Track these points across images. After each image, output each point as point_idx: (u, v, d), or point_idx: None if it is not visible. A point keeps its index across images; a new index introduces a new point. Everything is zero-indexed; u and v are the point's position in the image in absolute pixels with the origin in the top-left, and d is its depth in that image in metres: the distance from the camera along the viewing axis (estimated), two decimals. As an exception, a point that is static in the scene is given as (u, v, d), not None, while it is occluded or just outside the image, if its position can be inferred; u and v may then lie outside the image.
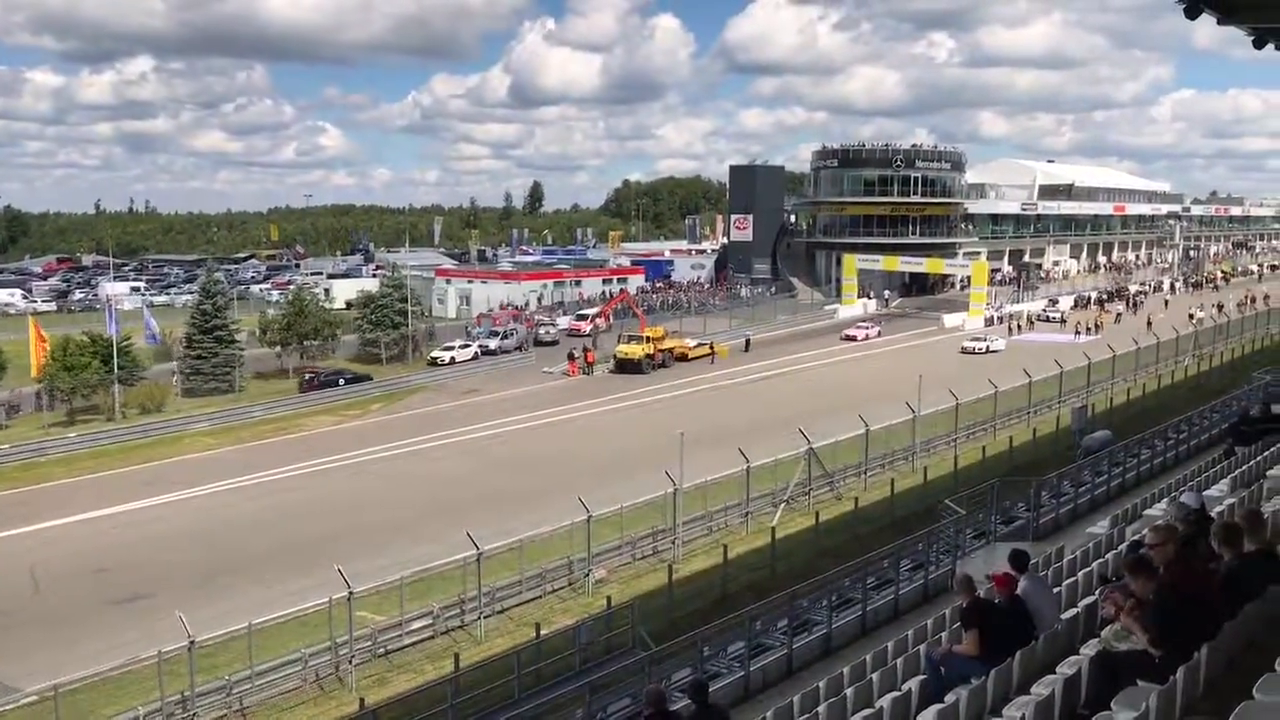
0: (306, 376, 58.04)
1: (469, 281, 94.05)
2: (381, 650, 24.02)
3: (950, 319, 78.25)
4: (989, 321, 77.89)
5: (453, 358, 62.39)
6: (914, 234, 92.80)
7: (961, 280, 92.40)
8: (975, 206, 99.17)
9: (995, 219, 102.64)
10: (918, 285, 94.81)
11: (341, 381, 57.47)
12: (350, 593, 22.71)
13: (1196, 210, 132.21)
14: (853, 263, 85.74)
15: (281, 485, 38.48)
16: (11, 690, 21.11)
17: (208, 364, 54.95)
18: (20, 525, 33.61)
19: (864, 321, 74.51)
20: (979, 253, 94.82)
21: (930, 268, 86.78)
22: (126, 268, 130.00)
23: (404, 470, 40.37)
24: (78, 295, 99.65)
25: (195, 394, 54.17)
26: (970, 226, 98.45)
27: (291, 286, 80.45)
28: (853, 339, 68.22)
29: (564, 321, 77.13)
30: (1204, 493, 15.04)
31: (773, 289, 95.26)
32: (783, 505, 33.41)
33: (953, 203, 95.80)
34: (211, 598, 26.38)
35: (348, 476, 39.50)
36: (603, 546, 28.74)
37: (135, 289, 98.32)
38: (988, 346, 65.50)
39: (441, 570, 26.25)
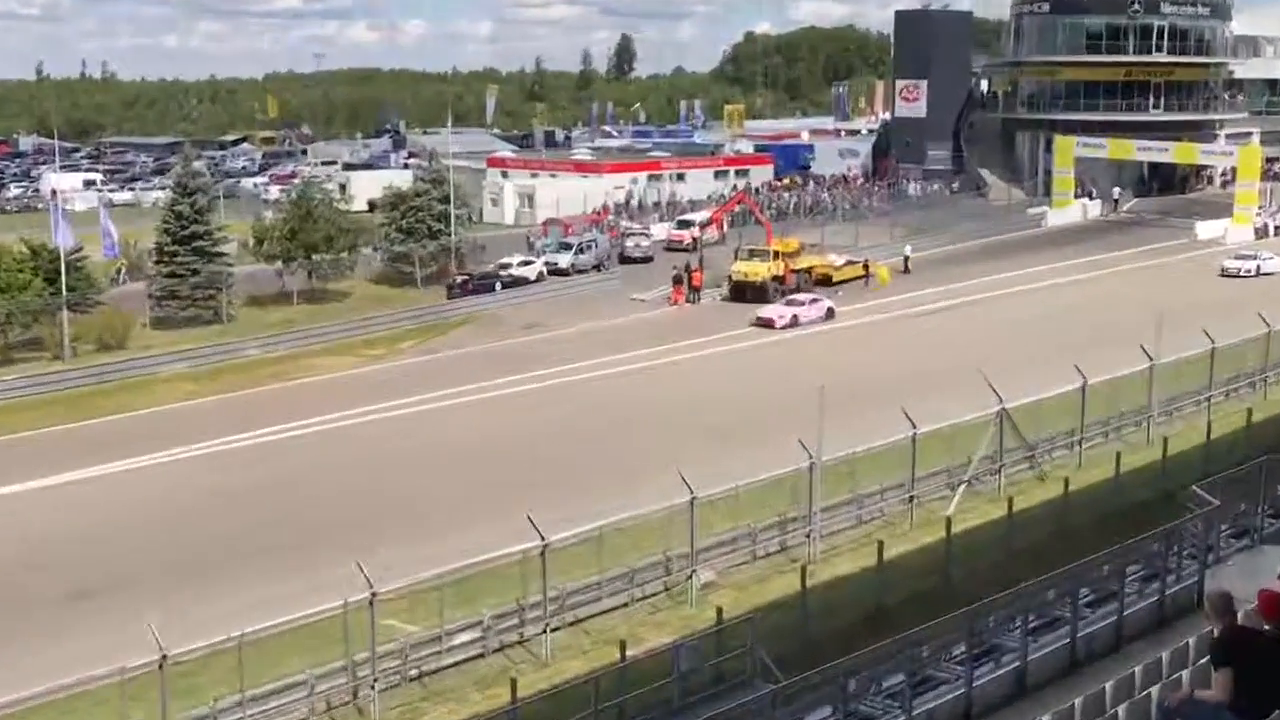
0: (457, 279, 61.39)
1: (532, 175, 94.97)
2: (414, 672, 24.60)
3: (1206, 228, 76.51)
4: (1261, 232, 75.96)
5: (510, 279, 63.63)
6: (1156, 108, 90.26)
7: (1223, 174, 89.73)
8: (1245, 69, 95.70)
9: (1274, 86, 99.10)
10: (1160, 181, 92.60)
11: (498, 287, 61.28)
12: (373, 594, 23.21)
13: None
14: (1069, 148, 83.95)
15: (282, 448, 39.43)
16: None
17: (185, 285, 56.56)
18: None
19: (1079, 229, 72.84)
20: (1249, 135, 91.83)
21: (1178, 156, 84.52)
22: (78, 154, 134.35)
23: (440, 433, 41.06)
24: (13, 191, 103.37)
25: (169, 325, 55.86)
26: (1237, 97, 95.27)
27: (296, 181, 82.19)
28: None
29: (661, 230, 77.39)
30: None
31: (954, 185, 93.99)
32: (962, 488, 33.26)
33: (1212, 63, 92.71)
34: (189, 597, 27.10)
35: (367, 439, 40.33)
36: (712, 539, 28.99)
37: (89, 182, 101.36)
38: (1258, 267, 64.04)
39: (494, 566, 26.68)
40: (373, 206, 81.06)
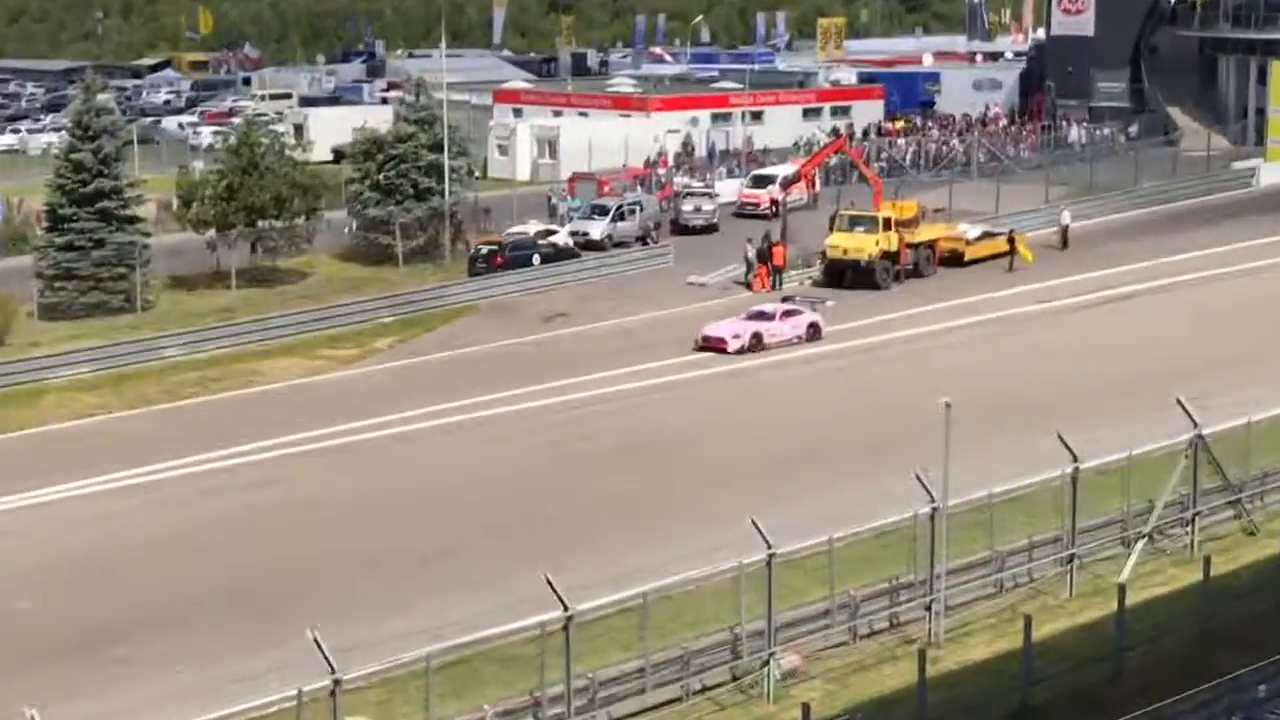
0: (482, 250, 62.46)
1: (556, 113, 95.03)
2: (388, 787, 24.59)
3: None
4: None
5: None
6: None
7: None
8: None
9: None
10: None
11: (536, 260, 62.21)
12: (336, 680, 23.30)
13: None
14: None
15: (214, 482, 39.73)
16: None
17: (86, 261, 56.95)
18: None
19: None
20: None
21: None
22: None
23: (426, 460, 41.49)
24: None
25: (64, 315, 56.34)
26: None
27: (236, 121, 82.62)
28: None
29: (729, 189, 77.29)
30: None
31: (1131, 129, 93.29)
32: (1140, 544, 32.91)
33: None
34: (85, 682, 27.43)
35: (323, 469, 40.70)
36: (797, 611, 28.92)
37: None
38: None
39: (499, 644, 26.73)
40: (339, 156, 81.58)
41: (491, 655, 26.60)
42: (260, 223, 62.05)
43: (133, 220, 58.67)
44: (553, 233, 65.91)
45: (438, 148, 66.33)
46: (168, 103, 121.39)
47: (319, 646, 23.37)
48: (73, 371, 49.95)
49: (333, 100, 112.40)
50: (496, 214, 68.92)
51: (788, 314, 53.16)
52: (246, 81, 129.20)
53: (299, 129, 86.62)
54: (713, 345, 51.29)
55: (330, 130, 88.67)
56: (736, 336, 51.43)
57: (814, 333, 52.77)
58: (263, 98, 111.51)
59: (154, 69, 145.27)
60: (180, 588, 32.59)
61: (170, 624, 30.54)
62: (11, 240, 63.90)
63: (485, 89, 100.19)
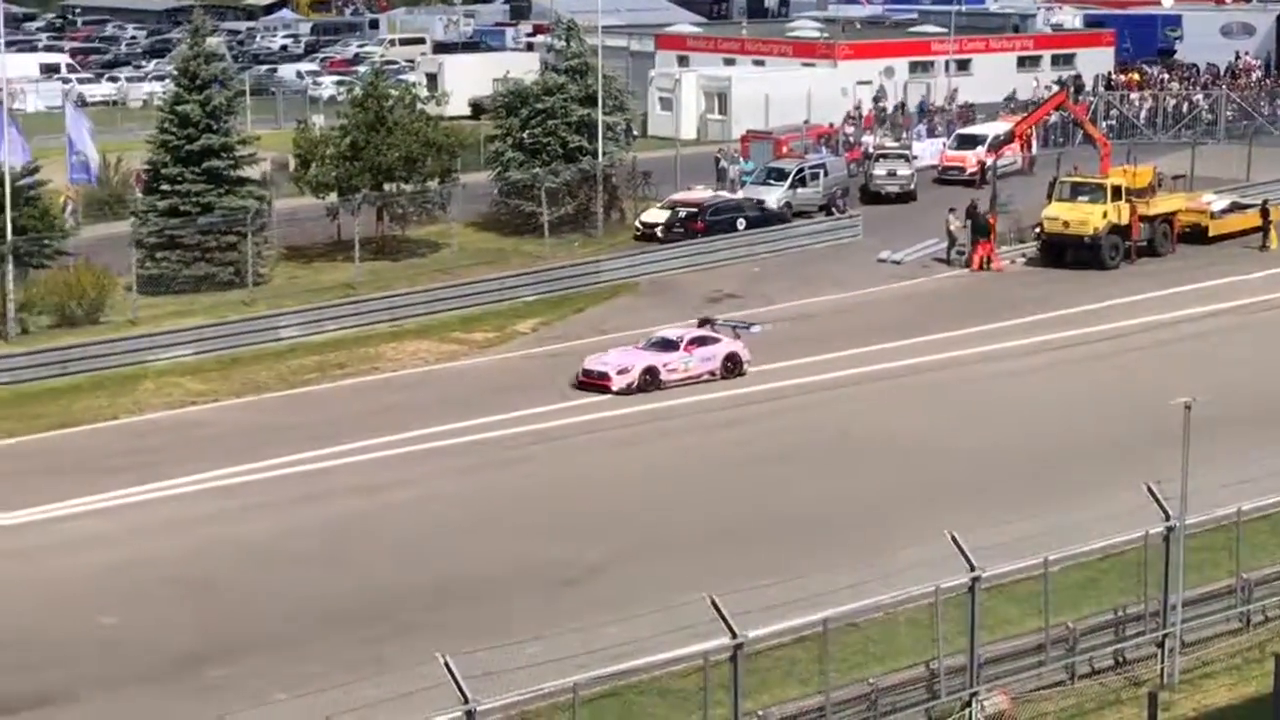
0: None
1: (727, 62, 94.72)
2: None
3: None
4: None
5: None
6: None
7: None
8: None
9: None
10: None
11: (741, 224, 63.23)
12: (469, 712, 23.33)
13: None
14: None
15: (327, 482, 40.24)
16: None
17: (192, 228, 57.57)
18: None
19: None
20: None
21: None
22: (33, 25, 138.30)
23: (569, 463, 41.85)
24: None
25: (167, 288, 57.12)
26: None
27: (362, 70, 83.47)
28: None
29: (929, 151, 76.80)
30: None
31: None
32: None
33: None
34: (179, 710, 27.72)
35: (452, 470, 41.11)
36: (1003, 645, 28.65)
37: (50, 68, 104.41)
38: None
39: (657, 674, 26.73)
40: (478, 110, 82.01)
41: (647, 687, 26.72)
42: (387, 186, 62.60)
43: (244, 182, 59.35)
44: (722, 202, 65.70)
45: (590, 101, 66.44)
46: (284, 48, 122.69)
47: (450, 672, 23.48)
48: (174, 354, 50.75)
49: (471, 46, 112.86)
50: (657, 177, 68.81)
51: (697, 343, 48.61)
52: (374, 25, 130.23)
53: (432, 79, 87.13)
54: (594, 382, 47.36)
55: (468, 81, 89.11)
56: (623, 372, 47.12)
57: (731, 367, 48.27)
58: (392, 43, 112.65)
59: (269, 9, 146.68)
60: (284, 602, 33.00)
61: (272, 644, 30.93)
62: (108, 204, 64.84)
63: (646, 33, 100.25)
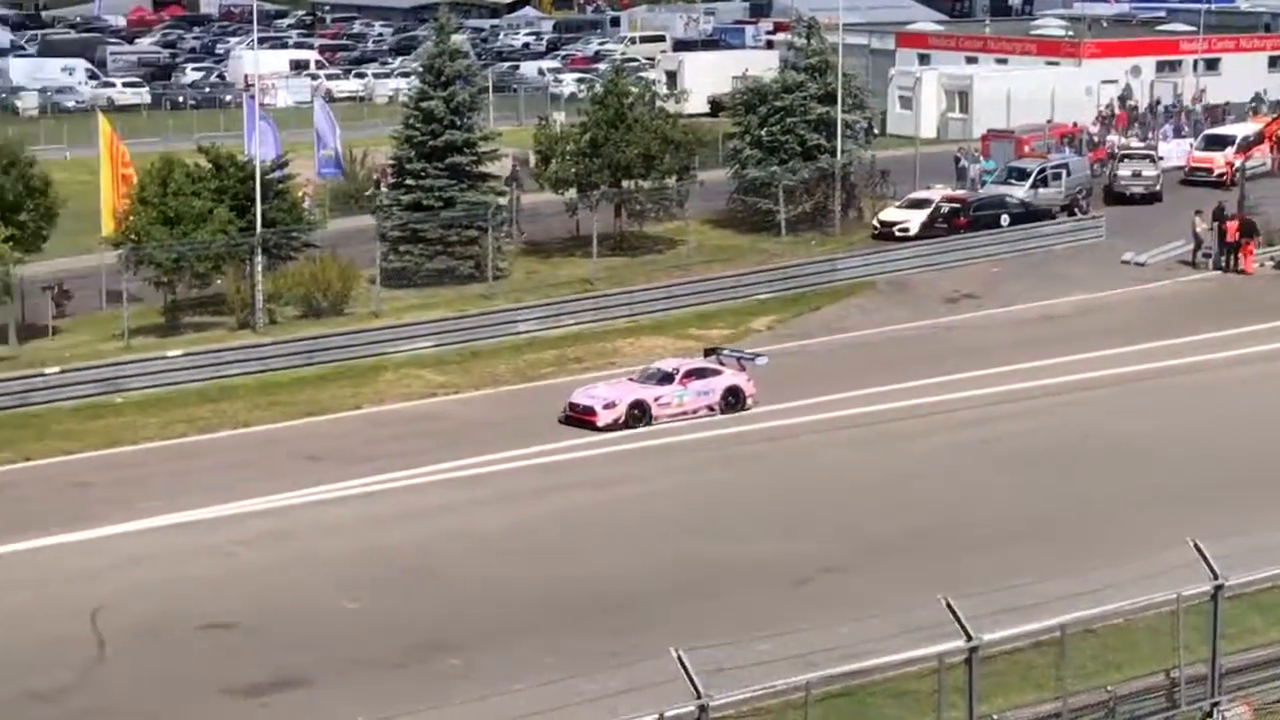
0: (943, 207, 63.67)
1: (969, 60, 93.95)
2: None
3: None
4: None
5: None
6: None
7: None
8: None
9: None
10: None
11: (1005, 220, 63.55)
12: (702, 706, 23.46)
13: None
14: None
15: (562, 476, 40.72)
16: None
17: (434, 223, 58.49)
18: (73, 527, 37.17)
19: None
20: None
21: None
22: (283, 21, 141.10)
23: (804, 458, 41.92)
24: (190, 74, 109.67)
25: (409, 281, 58.25)
26: None
27: (602, 67, 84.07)
28: None
29: (1175, 150, 75.55)
30: None
31: None
32: None
33: None
34: (416, 695, 27.81)
35: (684, 467, 41.41)
36: (1247, 655, 28.10)
37: (300, 65, 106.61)
38: None
39: (891, 675, 26.61)
40: (717, 108, 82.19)
41: (880, 688, 26.56)
42: (626, 183, 63.10)
43: (486, 178, 60.24)
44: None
45: (830, 99, 66.27)
46: (527, 45, 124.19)
47: (683, 666, 23.59)
48: (415, 346, 51.73)
49: (710, 44, 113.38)
50: (895, 176, 68.45)
51: (694, 375, 45.83)
52: (615, 22, 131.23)
53: (672, 76, 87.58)
54: (580, 417, 44.75)
55: (707, 78, 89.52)
56: (609, 406, 44.48)
57: (733, 401, 45.63)
58: (632, 41, 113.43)
59: (512, 7, 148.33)
60: (521, 593, 33.38)
61: (509, 633, 31.28)
62: (353, 197, 66.04)
63: (887, 31, 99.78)
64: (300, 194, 61.21)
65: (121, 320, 52.26)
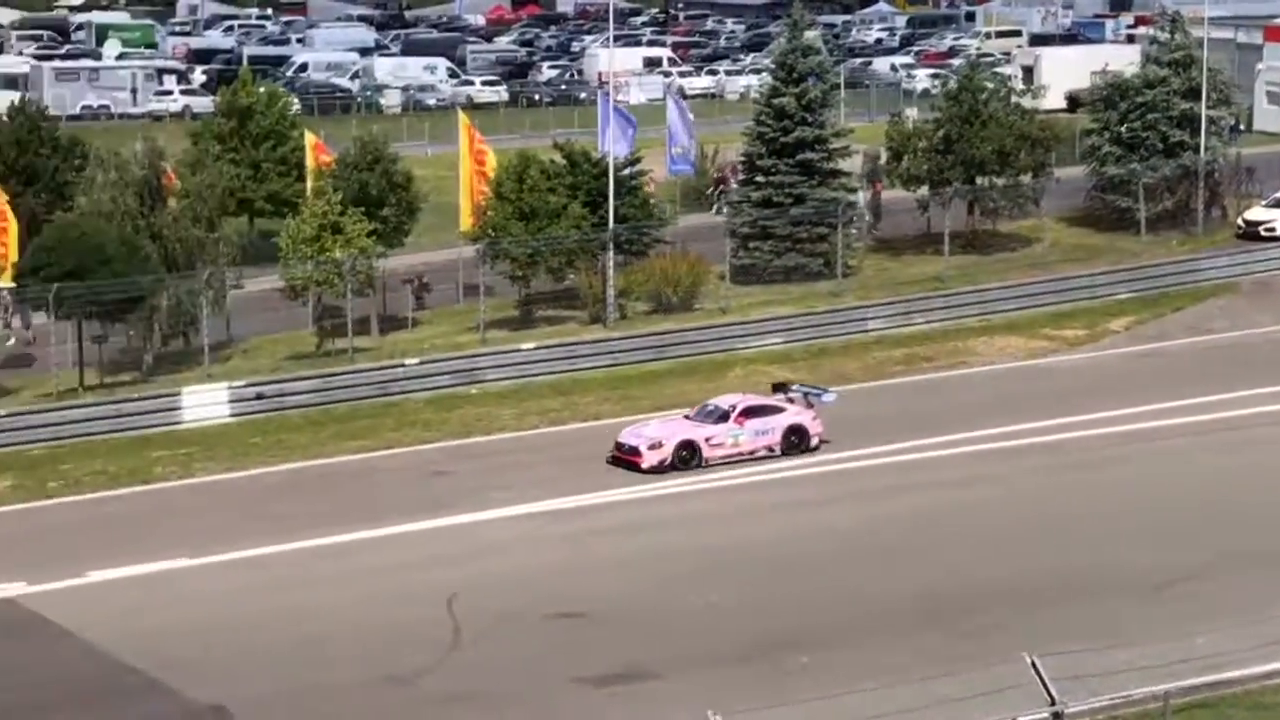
0: None
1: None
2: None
3: None
4: None
5: None
6: None
7: None
8: None
9: None
10: None
11: None
12: (1056, 714, 23.13)
13: None
14: None
15: (916, 476, 40.53)
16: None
17: (784, 219, 58.44)
18: (430, 514, 38.37)
19: None
20: None
21: None
22: (636, 18, 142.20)
23: (1161, 464, 40.98)
24: (546, 72, 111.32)
25: (758, 278, 58.51)
26: None
27: (956, 63, 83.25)
28: None
29: None
30: None
31: None
32: None
33: None
34: (762, 690, 28.27)
35: (1039, 468, 40.88)
36: None
37: (653, 62, 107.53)
38: None
39: (1251, 687, 26.00)
40: (1074, 104, 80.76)
41: (1241, 700, 25.99)
42: (979, 180, 62.43)
43: (837, 175, 60.09)
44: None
45: (1194, 95, 64.63)
46: (879, 41, 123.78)
47: (1037, 672, 23.37)
48: (763, 342, 51.95)
49: (1069, 38, 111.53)
50: (1262, 174, 66.49)
51: (752, 413, 42.58)
52: (970, 17, 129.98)
53: (1028, 71, 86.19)
54: (626, 458, 41.77)
55: (1065, 73, 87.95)
56: (655, 447, 41.47)
57: (796, 441, 42.42)
58: (988, 35, 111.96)
59: (865, 3, 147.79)
60: (870, 592, 33.36)
61: (860, 632, 31.25)
62: (703, 194, 66.48)
63: (1254, 25, 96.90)
64: (711, 188, 62.82)
65: (478, 313, 53.44)
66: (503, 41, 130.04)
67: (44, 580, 34.42)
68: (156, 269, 50.08)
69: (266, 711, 28.19)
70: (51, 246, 49.32)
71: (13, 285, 50.77)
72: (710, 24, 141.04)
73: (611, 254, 54.02)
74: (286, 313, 55.16)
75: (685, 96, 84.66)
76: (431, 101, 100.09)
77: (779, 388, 44.18)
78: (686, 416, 42.79)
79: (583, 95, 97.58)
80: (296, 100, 79.75)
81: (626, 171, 56.77)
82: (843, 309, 54.35)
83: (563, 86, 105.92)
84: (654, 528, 37.78)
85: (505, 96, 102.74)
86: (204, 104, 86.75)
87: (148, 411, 46.14)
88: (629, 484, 40.04)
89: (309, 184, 57.92)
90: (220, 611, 32.91)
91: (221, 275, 52.01)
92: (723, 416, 42.15)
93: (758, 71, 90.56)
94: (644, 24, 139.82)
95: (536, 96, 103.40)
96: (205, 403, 46.39)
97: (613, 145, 55.26)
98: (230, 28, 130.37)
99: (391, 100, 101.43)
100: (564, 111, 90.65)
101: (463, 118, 60.68)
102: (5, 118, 63.71)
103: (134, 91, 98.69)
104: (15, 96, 72.82)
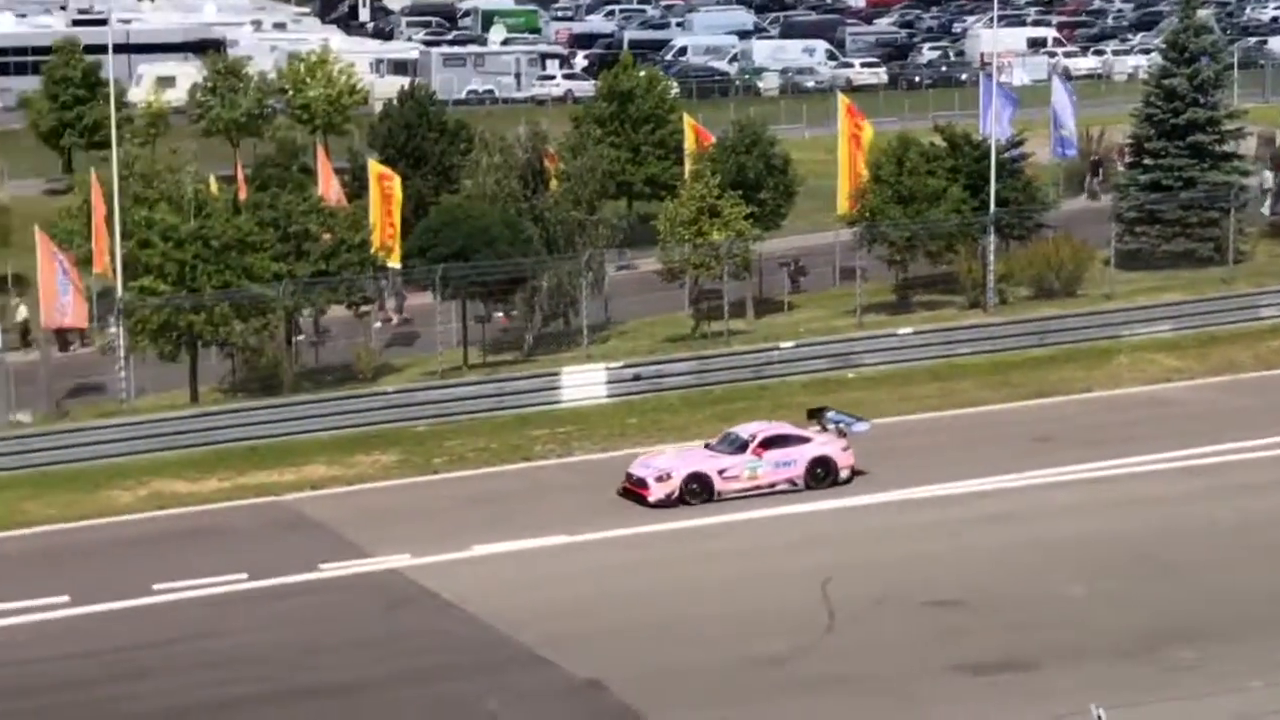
0: None
1: None
2: None
3: None
4: None
5: None
6: None
7: None
8: None
9: None
10: None
11: None
12: None
13: None
14: None
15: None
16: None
17: (1173, 204, 57.13)
18: (811, 499, 38.78)
19: None
20: None
21: None
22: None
23: None
24: (926, 54, 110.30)
25: (1146, 263, 57.32)
26: None
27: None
28: None
29: None
30: None
31: None
32: None
33: None
34: (1145, 685, 27.77)
35: None
36: None
37: (1037, 43, 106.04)
38: None
39: None
40: None
41: None
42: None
43: (1228, 157, 58.68)
44: None
45: None
46: (1275, 20, 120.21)
47: None
48: (1150, 329, 50.88)
49: None
50: None
51: (772, 444, 39.70)
52: None
53: None
54: (634, 489, 39.29)
55: None
56: (662, 479, 38.89)
57: (822, 474, 39.47)
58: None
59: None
60: (1256, 588, 32.49)
61: (1245, 628, 30.50)
62: (1080, 176, 65.61)
63: None
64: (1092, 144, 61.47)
65: (855, 297, 53.34)
66: (883, 23, 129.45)
67: (428, 553, 35.39)
68: (538, 251, 51.04)
69: (642, 688, 28.57)
70: (438, 228, 50.66)
71: (399, 266, 52.12)
72: (1097, 3, 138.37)
73: (992, 238, 53.46)
74: (664, 295, 55.70)
75: (1070, 78, 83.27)
76: (810, 84, 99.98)
77: (813, 414, 41.51)
78: (707, 445, 40.61)
79: (963, 77, 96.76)
80: (675, 84, 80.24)
81: (1008, 154, 56.04)
82: (1234, 296, 53.03)
83: (943, 68, 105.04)
84: (1028, 517, 37.37)
85: (884, 79, 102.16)
86: (585, 88, 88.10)
87: (528, 391, 46.91)
88: (1002, 473, 39.59)
89: (687, 167, 58.30)
90: (596, 588, 33.64)
91: (601, 257, 52.81)
92: (741, 446, 39.74)
93: (1146, 51, 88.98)
94: (1028, 3, 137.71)
95: (916, 78, 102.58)
96: (583, 383, 47.07)
97: (994, 127, 54.62)
98: (611, 12, 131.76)
99: (770, 83, 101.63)
100: (944, 94, 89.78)
101: (842, 100, 60.45)
102: (395, 102, 65.75)
103: (518, 76, 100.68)
104: (405, 82, 74.75)
